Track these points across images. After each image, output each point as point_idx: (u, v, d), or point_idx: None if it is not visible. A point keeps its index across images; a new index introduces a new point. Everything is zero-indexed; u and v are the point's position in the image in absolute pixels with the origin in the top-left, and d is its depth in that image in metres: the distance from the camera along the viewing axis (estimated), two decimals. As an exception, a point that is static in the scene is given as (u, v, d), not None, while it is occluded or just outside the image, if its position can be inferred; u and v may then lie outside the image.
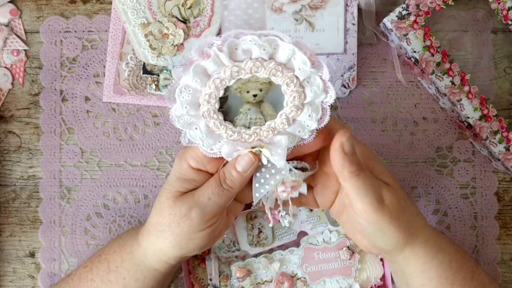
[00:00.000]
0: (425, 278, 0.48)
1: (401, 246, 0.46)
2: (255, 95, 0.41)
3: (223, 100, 0.41)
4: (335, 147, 0.42)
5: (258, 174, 0.44)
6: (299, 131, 0.42)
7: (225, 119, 0.42)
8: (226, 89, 0.41)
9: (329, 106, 0.42)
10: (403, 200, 0.45)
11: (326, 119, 0.42)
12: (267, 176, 0.44)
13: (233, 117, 0.42)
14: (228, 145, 0.43)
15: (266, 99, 0.42)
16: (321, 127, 0.43)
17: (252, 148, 0.43)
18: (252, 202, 0.46)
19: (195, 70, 0.39)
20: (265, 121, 0.42)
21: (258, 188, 0.44)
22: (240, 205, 0.50)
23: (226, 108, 0.42)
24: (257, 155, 0.43)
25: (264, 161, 0.43)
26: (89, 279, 0.52)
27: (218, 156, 0.44)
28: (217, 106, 0.41)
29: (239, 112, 0.42)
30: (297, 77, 0.40)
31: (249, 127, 0.42)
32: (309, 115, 0.41)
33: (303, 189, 0.45)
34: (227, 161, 0.44)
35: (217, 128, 0.42)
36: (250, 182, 0.46)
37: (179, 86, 0.40)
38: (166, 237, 0.46)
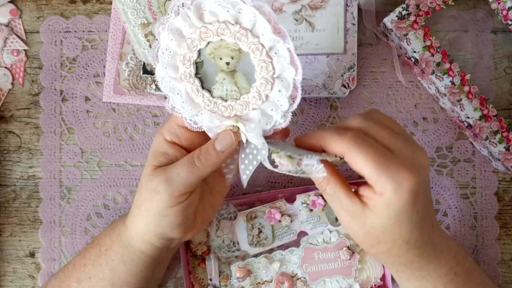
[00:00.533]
0: None
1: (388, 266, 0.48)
2: (227, 63, 0.43)
3: (199, 65, 0.44)
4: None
5: (242, 155, 0.45)
6: (272, 110, 0.43)
7: (203, 87, 0.44)
8: (200, 53, 0.43)
9: (300, 83, 0.42)
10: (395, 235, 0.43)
11: (298, 98, 0.43)
12: (250, 157, 0.45)
13: (210, 86, 0.44)
14: (206, 116, 0.44)
15: (239, 69, 0.43)
16: (294, 109, 0.43)
17: (229, 125, 0.44)
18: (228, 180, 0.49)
19: (170, 28, 0.42)
20: (240, 94, 0.44)
21: (244, 169, 0.45)
22: (227, 186, 0.51)
23: (202, 75, 0.44)
24: (237, 133, 0.44)
25: (243, 139, 0.44)
26: (82, 265, 0.52)
27: (201, 130, 0.45)
28: (192, 69, 0.43)
29: (215, 81, 0.44)
30: (262, 45, 0.41)
31: (226, 100, 0.44)
32: (279, 90, 0.42)
33: (322, 172, 0.43)
34: (203, 140, 0.46)
35: (195, 94, 0.44)
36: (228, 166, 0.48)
37: (161, 46, 0.43)
38: (141, 213, 0.47)
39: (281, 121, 0.44)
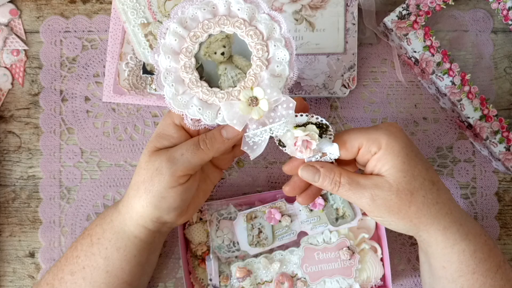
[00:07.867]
0: (446, 261, 0.48)
1: (414, 232, 0.48)
2: (223, 53, 0.46)
3: (200, 70, 0.46)
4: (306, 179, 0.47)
5: (245, 135, 0.45)
6: (278, 66, 0.45)
7: (212, 87, 0.46)
8: (198, 59, 0.45)
9: (288, 33, 0.46)
10: (406, 193, 0.45)
11: (293, 44, 0.46)
12: (253, 140, 0.45)
13: (217, 83, 0.46)
14: (224, 107, 0.45)
15: (233, 52, 0.46)
16: (295, 58, 0.46)
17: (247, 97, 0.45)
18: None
19: (164, 49, 0.45)
20: (245, 73, 0.46)
21: (251, 146, 0.46)
22: (219, 172, 0.52)
23: (206, 76, 0.46)
24: (244, 131, 0.45)
25: (264, 104, 0.44)
26: (74, 257, 0.53)
27: (206, 127, 0.46)
28: (196, 75, 0.45)
29: (219, 76, 0.46)
30: (244, 19, 0.45)
31: (235, 86, 0.46)
32: (275, 45, 0.45)
33: (335, 150, 0.46)
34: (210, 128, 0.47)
35: (207, 96, 0.45)
36: (229, 151, 0.49)
37: (162, 72, 0.45)
38: (140, 195, 0.47)
39: (290, 75, 0.45)
